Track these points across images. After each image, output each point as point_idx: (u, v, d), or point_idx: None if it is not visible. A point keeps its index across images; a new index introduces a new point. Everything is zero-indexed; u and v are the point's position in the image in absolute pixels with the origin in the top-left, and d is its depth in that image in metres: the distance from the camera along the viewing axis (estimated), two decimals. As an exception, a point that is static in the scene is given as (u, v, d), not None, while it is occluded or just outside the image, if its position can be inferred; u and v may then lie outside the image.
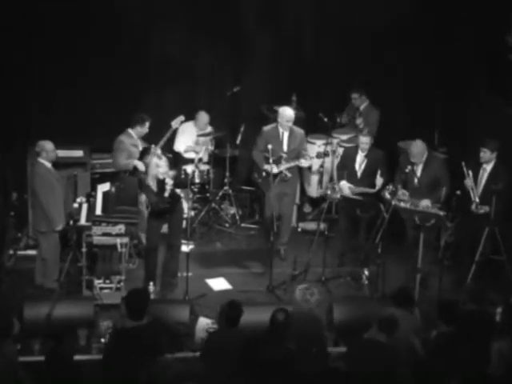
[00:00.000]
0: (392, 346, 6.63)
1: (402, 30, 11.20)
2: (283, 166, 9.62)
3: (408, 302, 7.28)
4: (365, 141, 9.67)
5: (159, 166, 8.80)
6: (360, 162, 9.72)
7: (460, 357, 6.53)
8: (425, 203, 9.09)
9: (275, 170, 9.55)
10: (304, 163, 9.66)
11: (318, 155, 10.04)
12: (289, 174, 9.65)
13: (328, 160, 10.72)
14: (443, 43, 11.05)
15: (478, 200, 9.07)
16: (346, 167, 9.81)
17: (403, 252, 9.50)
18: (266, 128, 9.84)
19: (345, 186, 9.63)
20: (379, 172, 9.67)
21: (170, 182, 8.80)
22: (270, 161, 9.37)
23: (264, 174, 9.63)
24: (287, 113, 9.67)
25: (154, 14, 11.18)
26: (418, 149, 9.34)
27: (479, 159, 9.14)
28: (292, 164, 9.63)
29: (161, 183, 8.82)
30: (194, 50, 11.34)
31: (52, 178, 8.94)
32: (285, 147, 9.69)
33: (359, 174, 9.72)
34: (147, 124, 9.66)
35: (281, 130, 9.70)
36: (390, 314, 6.82)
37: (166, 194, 8.84)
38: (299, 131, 9.81)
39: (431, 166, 9.34)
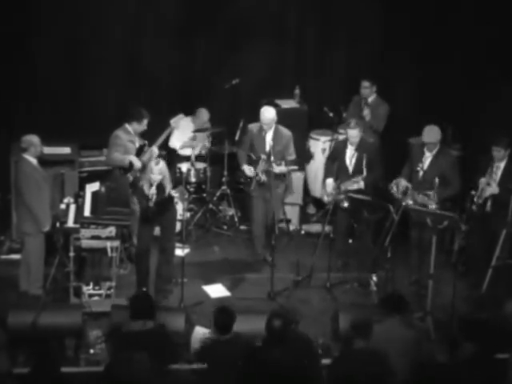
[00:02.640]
0: (381, 354, 6.62)
1: (412, 21, 11.22)
2: (258, 169, 9.61)
3: (401, 309, 7.20)
4: (353, 134, 9.51)
5: (152, 171, 8.82)
6: (350, 157, 9.60)
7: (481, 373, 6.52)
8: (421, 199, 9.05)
9: (250, 172, 9.62)
10: (275, 169, 9.52)
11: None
12: (263, 178, 9.58)
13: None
14: (456, 36, 11.08)
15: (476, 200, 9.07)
16: (335, 161, 9.71)
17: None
18: (251, 126, 9.87)
19: (329, 185, 9.60)
20: (364, 162, 9.45)
21: (152, 192, 8.78)
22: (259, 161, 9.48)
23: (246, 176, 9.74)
24: (266, 115, 9.65)
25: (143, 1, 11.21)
26: (433, 133, 9.22)
27: (493, 158, 9.12)
28: (267, 167, 9.54)
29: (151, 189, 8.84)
30: (189, 39, 11.34)
31: (38, 176, 8.92)
32: (267, 148, 9.64)
33: (350, 169, 9.60)
34: (145, 121, 9.62)
35: (264, 130, 9.70)
36: (364, 318, 6.80)
37: (151, 204, 8.83)
38: (286, 133, 9.76)
39: (440, 161, 9.25)
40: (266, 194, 9.61)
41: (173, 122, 9.58)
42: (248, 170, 9.73)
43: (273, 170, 9.49)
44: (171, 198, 8.98)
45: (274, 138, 9.67)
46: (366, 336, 6.60)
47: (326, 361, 7.54)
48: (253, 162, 9.70)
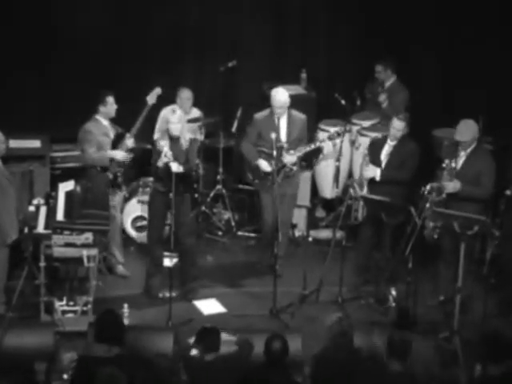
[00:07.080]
0: (409, 376, 6.65)
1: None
2: (286, 159, 9.67)
3: (409, 324, 7.27)
4: (398, 126, 9.47)
5: (170, 121, 9.01)
6: (386, 153, 9.60)
7: None
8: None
9: (269, 168, 9.65)
10: (287, 159, 9.68)
11: (331, 137, 10.01)
12: (294, 168, 9.68)
13: (346, 153, 10.68)
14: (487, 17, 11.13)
15: None
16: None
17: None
18: (259, 115, 9.88)
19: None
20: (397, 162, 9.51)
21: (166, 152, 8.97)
22: (281, 151, 9.58)
23: (262, 173, 9.73)
24: (279, 97, 9.67)
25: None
26: (468, 130, 9.15)
27: None
28: (299, 153, 9.69)
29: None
30: (178, 15, 11.35)
31: (2, 179, 8.88)
32: (283, 137, 9.71)
33: (383, 166, 9.57)
34: (110, 100, 9.57)
35: (276, 116, 9.72)
36: (402, 336, 6.83)
37: (160, 163, 8.94)
38: (299, 117, 9.82)
39: (477, 159, 9.18)
40: (287, 190, 9.69)
41: (149, 98, 9.63)
42: (265, 165, 9.68)
43: (283, 160, 9.66)
44: (194, 189, 9.02)
45: (289, 125, 9.74)
46: (404, 357, 6.66)
47: None
48: (268, 156, 9.67)
